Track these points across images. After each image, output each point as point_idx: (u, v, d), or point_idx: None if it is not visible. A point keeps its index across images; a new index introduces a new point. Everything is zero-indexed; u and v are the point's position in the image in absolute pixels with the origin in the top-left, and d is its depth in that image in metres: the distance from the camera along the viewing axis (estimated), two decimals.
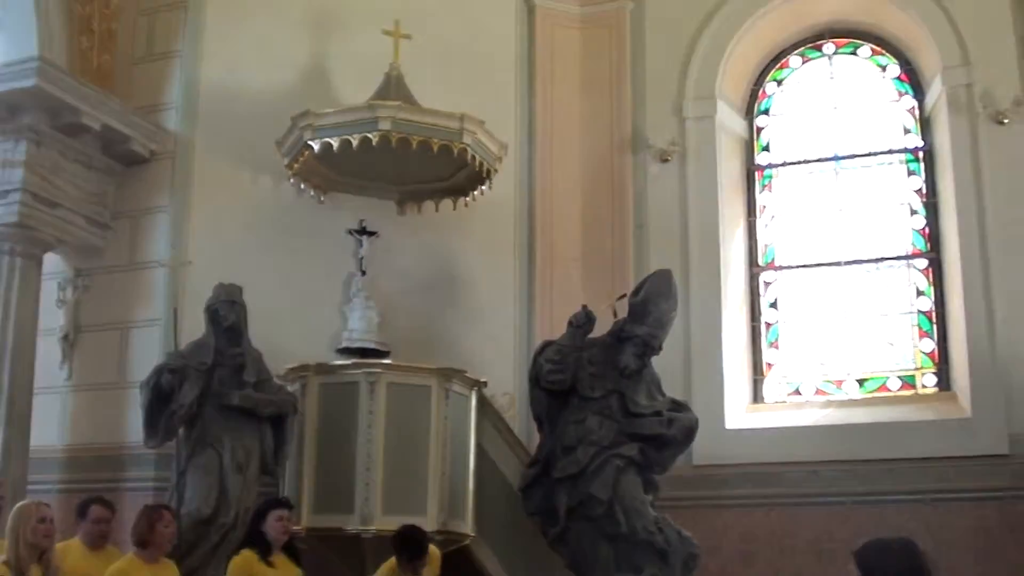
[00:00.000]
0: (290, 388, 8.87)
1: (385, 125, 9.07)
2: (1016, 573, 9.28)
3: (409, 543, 7.32)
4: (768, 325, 10.98)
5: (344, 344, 9.79)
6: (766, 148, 11.53)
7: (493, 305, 10.58)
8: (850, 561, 4.14)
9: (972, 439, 9.63)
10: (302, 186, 9.91)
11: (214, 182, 10.08)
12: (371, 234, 10.20)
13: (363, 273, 10.14)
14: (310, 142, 9.23)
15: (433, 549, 7.67)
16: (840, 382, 10.64)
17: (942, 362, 10.37)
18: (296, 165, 9.59)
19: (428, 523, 8.32)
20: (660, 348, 8.78)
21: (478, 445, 9.22)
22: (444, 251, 10.57)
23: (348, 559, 8.59)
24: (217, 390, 8.44)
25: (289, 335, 9.49)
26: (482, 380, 9.33)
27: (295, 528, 8.35)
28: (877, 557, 4.08)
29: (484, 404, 9.42)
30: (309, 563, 7.49)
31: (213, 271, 9.08)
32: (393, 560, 7.29)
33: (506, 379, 10.16)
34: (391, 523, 8.14)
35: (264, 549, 7.00)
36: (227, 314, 8.57)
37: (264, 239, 10.00)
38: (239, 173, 10.15)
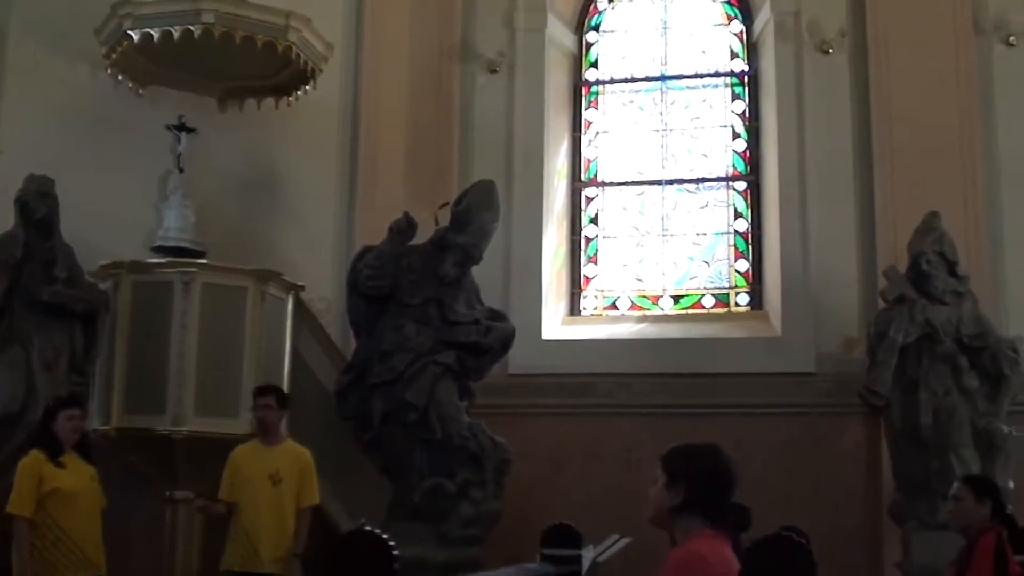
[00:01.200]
0: (102, 286, 8.62)
1: (208, 18, 8.78)
2: (820, 484, 9.70)
3: None
4: (588, 240, 11.09)
5: (159, 243, 9.51)
6: (594, 64, 11.57)
7: (313, 208, 10.42)
8: (657, 466, 4.22)
9: (781, 357, 9.94)
10: (119, 77, 9.55)
11: (28, 69, 9.73)
12: (190, 130, 9.89)
13: (180, 170, 9.83)
14: (129, 32, 8.90)
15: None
16: (656, 298, 10.82)
17: (756, 282, 10.65)
18: (114, 55, 9.24)
19: (240, 426, 8.25)
20: (480, 258, 8.83)
21: (294, 349, 9.15)
22: (264, 151, 10.35)
23: (159, 461, 8.45)
24: (26, 285, 8.18)
25: (102, 231, 9.19)
26: (299, 284, 9.26)
27: (102, 428, 8.20)
28: (683, 461, 4.16)
29: (301, 308, 9.34)
30: (118, 466, 7.34)
31: (24, 162, 8.80)
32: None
33: (324, 284, 10.05)
34: (203, 425, 8.07)
35: (54, 449, 6.81)
36: (38, 207, 8.27)
37: (79, 131, 9.66)
38: (55, 61, 9.79)
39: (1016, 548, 6.26)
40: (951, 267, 9.12)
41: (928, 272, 8.99)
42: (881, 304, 9.25)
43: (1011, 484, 8.70)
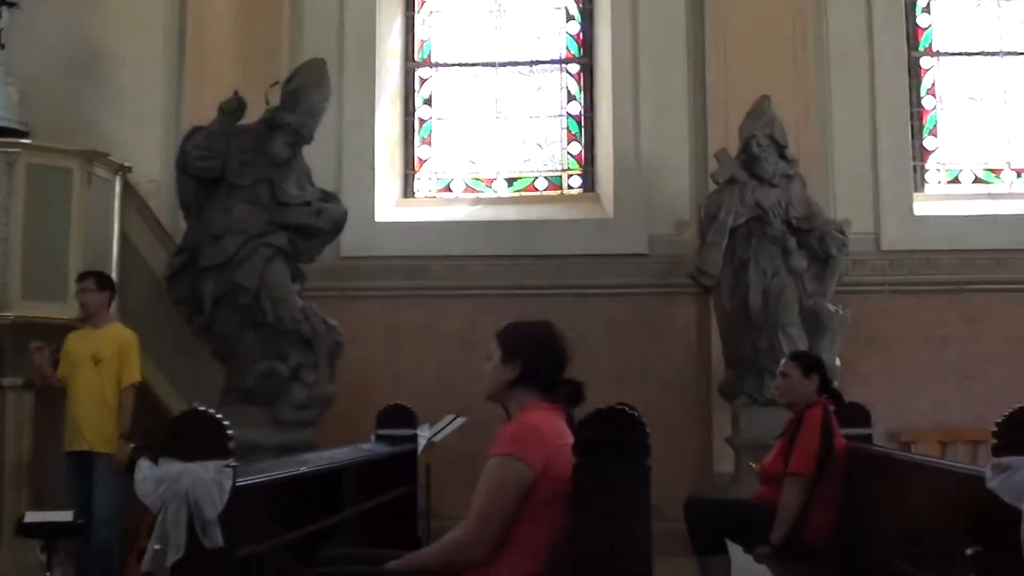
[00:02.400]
0: None
1: None
2: (649, 362, 9.89)
3: None
4: (422, 121, 10.93)
5: None
6: None
7: (140, 87, 10.12)
8: (493, 342, 4.20)
9: (614, 239, 10.01)
10: None
11: None
12: (11, 5, 9.37)
13: (2, 47, 9.37)
14: None
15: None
16: (490, 180, 10.76)
17: (588, 165, 10.64)
18: None
19: (67, 311, 8.01)
20: (311, 138, 8.69)
21: (122, 232, 8.88)
22: (91, 27, 10.02)
23: None
24: None
25: None
26: (127, 165, 8.97)
27: None
28: (518, 336, 4.16)
29: (129, 190, 9.06)
30: None
31: None
32: None
33: (153, 165, 9.80)
34: (30, 310, 7.88)
35: None
36: None
37: None
38: None
39: (842, 422, 6.46)
40: (781, 150, 9.26)
41: (758, 155, 9.11)
42: (712, 186, 9.38)
43: (837, 361, 8.98)
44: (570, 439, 3.88)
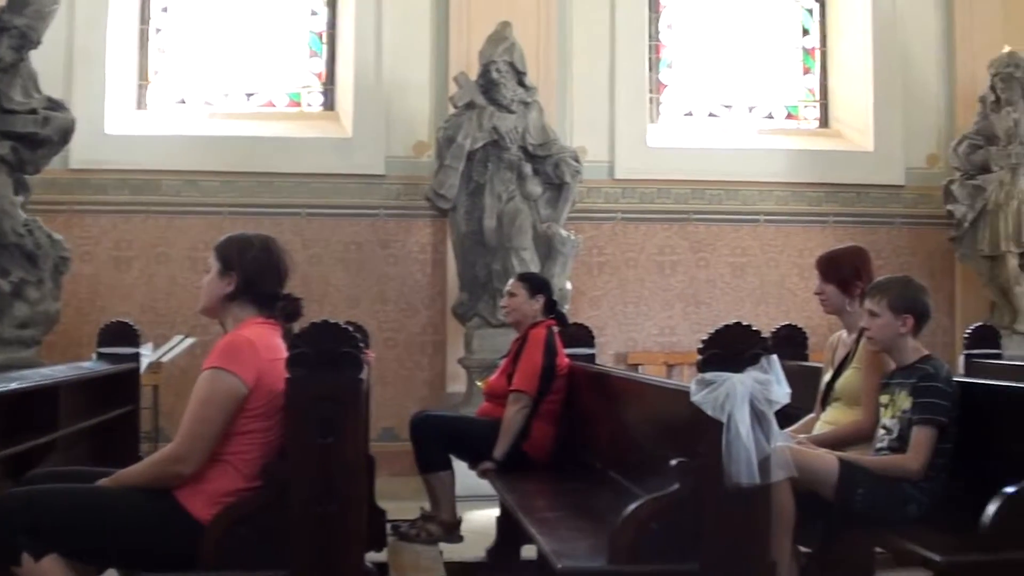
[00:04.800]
0: None
1: None
2: (387, 284, 9.92)
3: None
4: (159, 31, 10.53)
5: None
6: None
7: None
8: (211, 255, 4.13)
9: (351, 158, 9.95)
10: None
11: None
12: None
13: None
14: None
15: None
16: (227, 94, 10.49)
17: (329, 83, 10.51)
18: None
19: None
20: (39, 41, 8.32)
21: None
22: None
23: None
24: None
25: None
26: None
27: None
28: (236, 249, 4.09)
29: None
30: None
31: None
32: None
33: None
34: None
35: None
36: None
37: None
38: None
39: (567, 342, 6.62)
40: (520, 77, 9.34)
41: (497, 80, 9.18)
42: (451, 110, 9.39)
43: (568, 285, 9.19)
44: (284, 354, 3.85)
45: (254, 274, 4.03)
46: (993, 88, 10.23)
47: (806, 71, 11.25)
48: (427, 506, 6.49)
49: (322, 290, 9.68)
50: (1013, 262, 9.97)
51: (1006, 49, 10.20)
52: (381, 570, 5.09)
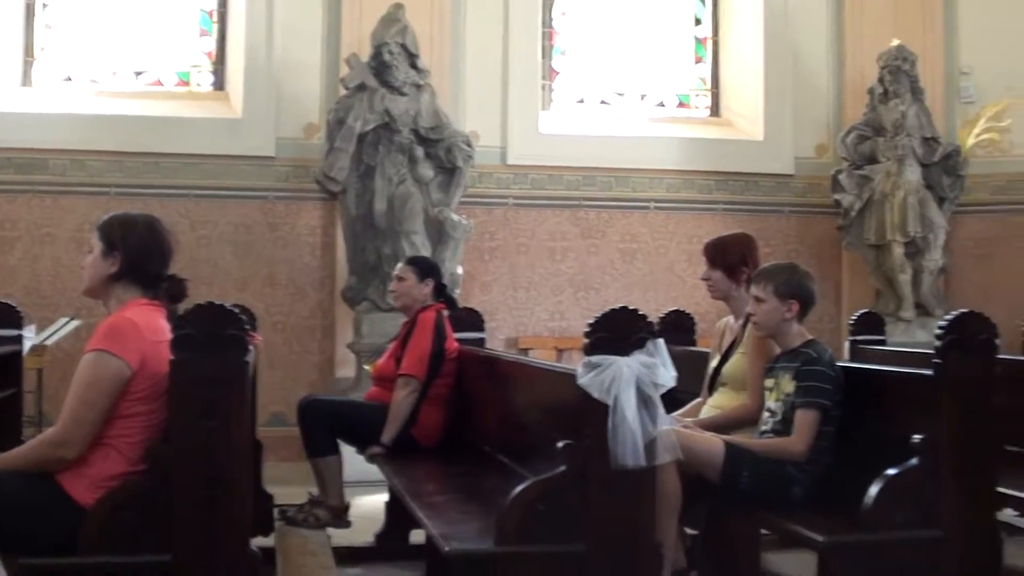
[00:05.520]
0: None
1: None
2: (276, 268, 9.79)
3: None
4: (45, 6, 10.28)
5: None
6: None
7: None
8: (94, 235, 4.06)
9: (241, 140, 9.81)
10: None
11: None
12: None
13: None
14: None
15: None
16: (115, 73, 10.29)
17: (219, 62, 10.35)
18: None
19: None
20: None
21: None
22: None
23: None
24: None
25: None
26: None
27: None
28: (119, 228, 4.03)
29: None
30: None
31: None
32: None
33: None
34: None
35: None
36: None
37: None
38: None
39: (457, 326, 6.62)
40: (413, 60, 9.31)
41: (390, 63, 9.14)
42: (342, 91, 9.32)
43: (460, 270, 9.18)
44: (168, 336, 3.80)
45: (138, 255, 3.98)
46: (881, 80, 10.44)
47: (698, 60, 11.36)
48: (315, 491, 6.47)
49: (210, 272, 9.55)
50: (898, 251, 10.18)
51: (895, 42, 10.40)
52: (268, 555, 5.07)
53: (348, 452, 6.45)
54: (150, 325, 3.87)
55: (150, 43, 10.33)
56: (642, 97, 11.18)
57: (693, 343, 6.60)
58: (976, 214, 10.89)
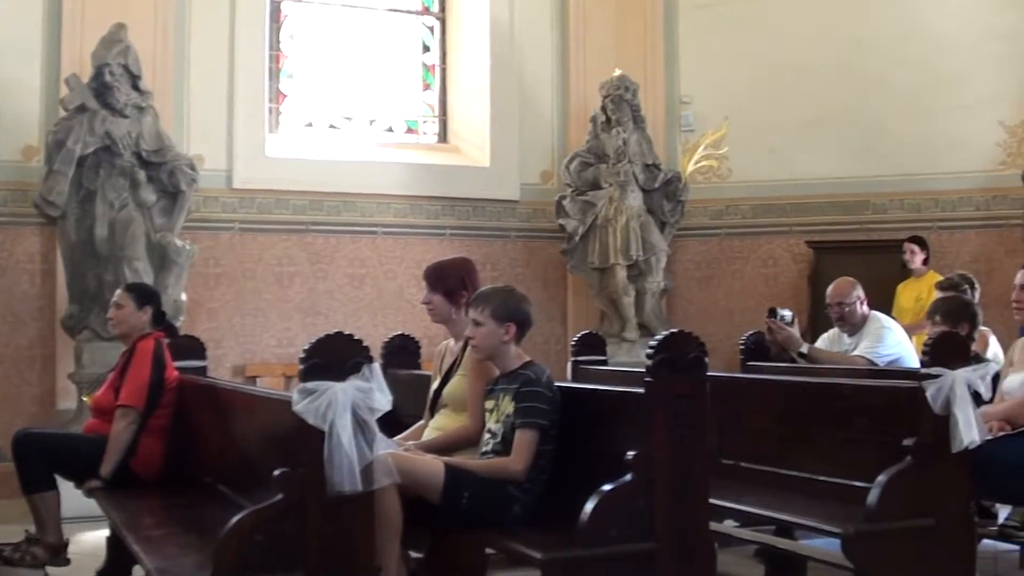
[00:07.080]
0: None
1: None
2: None
3: None
4: None
5: None
6: None
7: None
8: None
9: None
10: None
11: None
12: None
13: None
14: None
15: None
16: None
17: None
18: None
19: None
20: None
21: None
22: None
23: None
24: None
25: None
26: None
27: None
28: None
29: None
30: None
31: None
32: None
33: None
34: None
35: None
36: None
37: None
38: None
39: (177, 354, 6.47)
40: (135, 81, 9.11)
41: (111, 84, 8.92)
42: (62, 113, 9.03)
43: (184, 296, 9.00)
44: None
45: None
46: (604, 109, 10.78)
47: (426, 87, 11.50)
48: (32, 529, 6.21)
49: None
50: (622, 274, 10.51)
51: (617, 72, 10.76)
52: None
53: (67, 487, 6.21)
54: None
55: None
56: (371, 122, 11.25)
57: (418, 366, 6.64)
58: (696, 237, 11.38)
